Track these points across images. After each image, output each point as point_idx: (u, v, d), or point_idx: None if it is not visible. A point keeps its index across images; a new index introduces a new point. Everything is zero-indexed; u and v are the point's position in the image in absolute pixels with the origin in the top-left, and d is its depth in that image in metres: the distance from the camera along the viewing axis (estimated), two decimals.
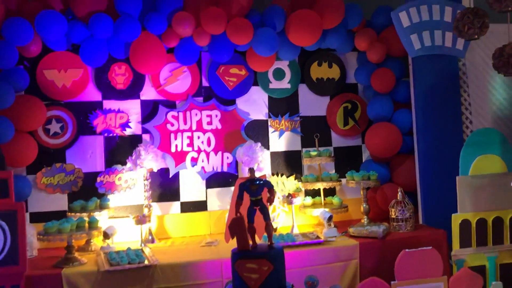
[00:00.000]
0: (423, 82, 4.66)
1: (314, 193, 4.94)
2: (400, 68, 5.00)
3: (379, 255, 3.99)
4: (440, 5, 4.52)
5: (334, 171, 5.06)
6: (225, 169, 4.83)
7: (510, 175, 3.85)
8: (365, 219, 4.54)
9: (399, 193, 4.36)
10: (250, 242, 3.07)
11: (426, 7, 4.53)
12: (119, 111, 4.59)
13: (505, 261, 4.02)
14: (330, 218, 4.35)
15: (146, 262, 3.57)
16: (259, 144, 4.71)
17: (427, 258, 3.76)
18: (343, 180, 4.81)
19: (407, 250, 3.74)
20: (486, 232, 4.01)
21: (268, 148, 5.01)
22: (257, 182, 3.11)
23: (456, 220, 3.96)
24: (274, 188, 4.71)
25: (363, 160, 5.25)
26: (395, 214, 4.32)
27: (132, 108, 4.64)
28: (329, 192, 4.98)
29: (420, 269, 3.74)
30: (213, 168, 4.79)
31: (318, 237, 4.08)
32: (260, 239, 3.32)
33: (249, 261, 2.94)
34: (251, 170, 3.22)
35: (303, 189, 4.86)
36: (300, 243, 3.94)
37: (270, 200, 3.12)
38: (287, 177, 4.93)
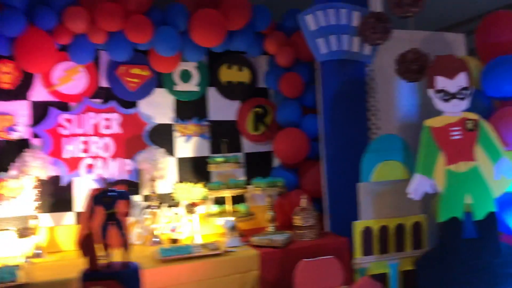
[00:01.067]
0: (331, 87, 4.55)
1: (224, 201, 4.73)
2: (309, 72, 4.91)
3: (280, 265, 3.83)
4: (348, 9, 4.46)
5: (246, 177, 4.88)
6: (126, 177, 4.51)
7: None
8: (271, 227, 4.38)
9: (303, 200, 4.24)
10: (105, 261, 2.81)
11: (334, 11, 4.44)
12: (4, 113, 4.17)
13: (406, 268, 4.00)
14: (233, 227, 4.16)
15: (18, 280, 3.20)
16: (161, 149, 4.45)
17: (327, 267, 3.68)
18: (250, 187, 4.64)
19: (305, 259, 3.63)
20: (388, 239, 3.97)
21: (173, 154, 4.76)
22: (111, 194, 2.86)
23: (357, 227, 3.89)
24: (177, 196, 4.52)
25: (274, 167, 5.11)
26: (299, 221, 4.18)
27: (20, 110, 4.22)
28: (240, 200, 4.81)
29: (320, 278, 3.66)
30: (111, 176, 4.46)
31: (217, 247, 3.86)
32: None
33: (95, 282, 2.68)
34: (103, 180, 2.97)
35: (211, 197, 4.66)
36: (196, 255, 3.71)
37: (127, 214, 2.87)
38: (195, 184, 4.70)
